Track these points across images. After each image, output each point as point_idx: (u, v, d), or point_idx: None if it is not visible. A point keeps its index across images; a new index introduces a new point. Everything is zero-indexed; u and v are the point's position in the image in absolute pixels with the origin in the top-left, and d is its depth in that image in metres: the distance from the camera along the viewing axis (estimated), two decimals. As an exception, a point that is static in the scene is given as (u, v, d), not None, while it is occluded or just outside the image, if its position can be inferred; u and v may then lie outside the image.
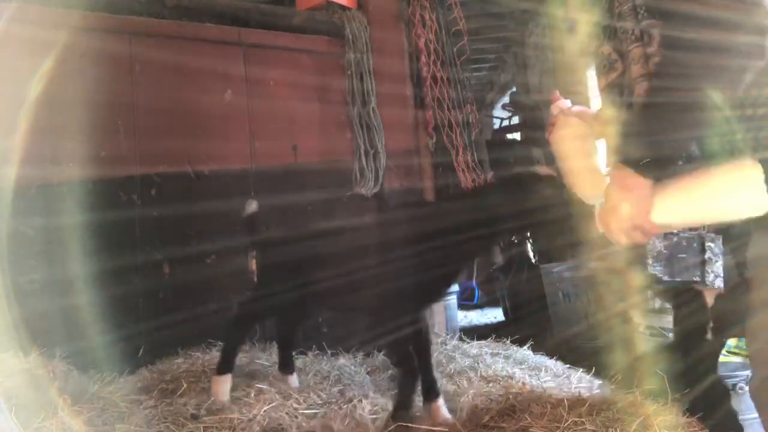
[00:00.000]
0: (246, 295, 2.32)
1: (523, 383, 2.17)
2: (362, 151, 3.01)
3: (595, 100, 1.61)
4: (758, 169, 1.06)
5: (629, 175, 1.09)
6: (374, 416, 1.86)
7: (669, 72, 1.17)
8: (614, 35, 1.52)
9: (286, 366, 2.28)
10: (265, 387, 2.13)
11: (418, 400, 2.00)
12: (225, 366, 2.08)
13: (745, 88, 1.26)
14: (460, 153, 3.25)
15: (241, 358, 2.39)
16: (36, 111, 2.25)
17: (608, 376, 2.25)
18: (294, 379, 2.24)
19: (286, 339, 2.32)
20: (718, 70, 1.20)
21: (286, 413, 1.88)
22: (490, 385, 2.16)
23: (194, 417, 1.81)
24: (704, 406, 1.73)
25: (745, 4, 1.13)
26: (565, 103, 1.50)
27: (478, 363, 2.43)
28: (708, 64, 1.14)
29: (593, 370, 2.36)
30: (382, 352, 2.20)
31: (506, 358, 2.58)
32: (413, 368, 1.88)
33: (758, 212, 1.06)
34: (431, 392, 1.91)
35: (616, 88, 1.52)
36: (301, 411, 1.90)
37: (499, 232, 1.86)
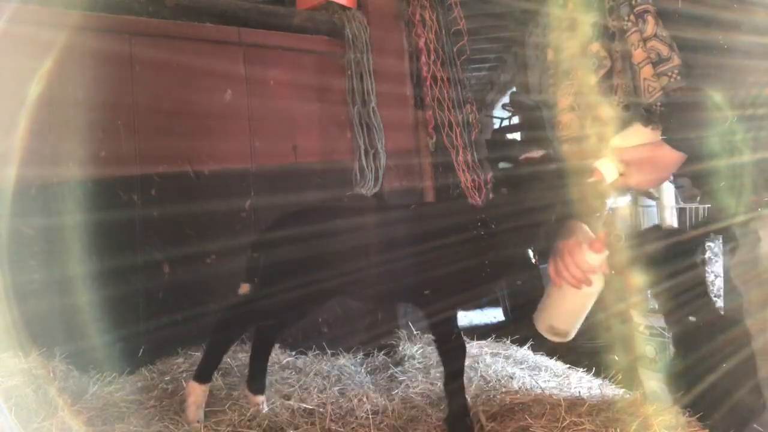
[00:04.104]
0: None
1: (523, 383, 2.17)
2: (362, 151, 3.01)
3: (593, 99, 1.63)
4: None
5: (667, 147, 1.37)
6: (374, 416, 1.86)
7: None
8: (603, 33, 1.56)
9: (256, 381, 2.00)
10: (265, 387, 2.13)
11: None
12: (205, 373, 1.87)
13: (745, 88, 1.27)
14: (460, 153, 3.25)
15: (240, 358, 2.40)
16: (36, 111, 2.25)
17: (608, 376, 2.25)
18: (263, 402, 1.96)
19: (266, 347, 2.07)
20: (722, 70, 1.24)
21: (286, 413, 1.88)
22: (490, 384, 2.16)
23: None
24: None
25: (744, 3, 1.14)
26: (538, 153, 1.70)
27: (478, 363, 2.43)
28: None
29: (593, 370, 2.36)
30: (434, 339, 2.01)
31: (506, 358, 2.58)
32: (462, 347, 1.78)
33: None
34: None
35: (606, 84, 1.56)
36: (300, 411, 1.90)
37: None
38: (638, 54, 1.47)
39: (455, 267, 1.71)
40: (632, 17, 1.46)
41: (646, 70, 1.47)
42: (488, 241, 1.71)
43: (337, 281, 1.83)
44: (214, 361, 1.91)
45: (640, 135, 1.47)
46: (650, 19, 1.44)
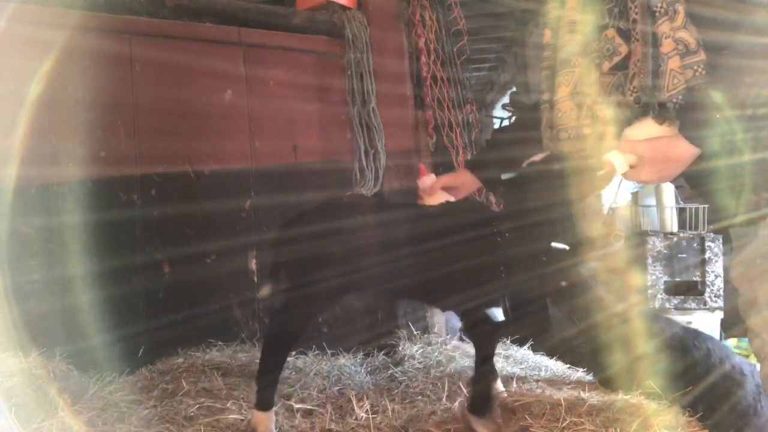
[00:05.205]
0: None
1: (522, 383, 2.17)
2: (362, 151, 3.01)
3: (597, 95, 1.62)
4: None
5: (683, 142, 1.37)
6: (374, 416, 1.86)
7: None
8: (621, 18, 1.54)
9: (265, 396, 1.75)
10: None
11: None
12: (267, 398, 1.72)
13: (745, 88, 1.27)
14: (460, 153, 3.25)
15: (241, 358, 2.40)
16: (36, 111, 2.26)
17: (608, 376, 2.25)
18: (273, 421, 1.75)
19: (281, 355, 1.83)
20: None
21: (286, 413, 1.88)
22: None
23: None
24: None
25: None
26: (430, 178, 1.97)
27: (478, 363, 2.42)
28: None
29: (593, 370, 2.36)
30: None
31: (506, 358, 2.58)
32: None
33: None
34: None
35: (620, 73, 1.54)
36: (300, 411, 1.90)
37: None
38: (667, 44, 1.45)
39: (481, 262, 1.76)
40: (663, 5, 1.44)
41: (674, 61, 1.45)
42: (508, 240, 1.74)
43: (375, 275, 1.77)
44: (273, 381, 1.76)
45: (653, 128, 1.46)
46: (681, 9, 1.43)
